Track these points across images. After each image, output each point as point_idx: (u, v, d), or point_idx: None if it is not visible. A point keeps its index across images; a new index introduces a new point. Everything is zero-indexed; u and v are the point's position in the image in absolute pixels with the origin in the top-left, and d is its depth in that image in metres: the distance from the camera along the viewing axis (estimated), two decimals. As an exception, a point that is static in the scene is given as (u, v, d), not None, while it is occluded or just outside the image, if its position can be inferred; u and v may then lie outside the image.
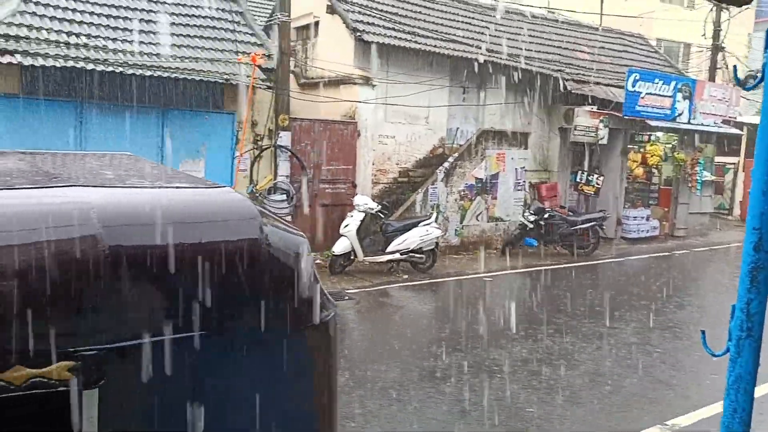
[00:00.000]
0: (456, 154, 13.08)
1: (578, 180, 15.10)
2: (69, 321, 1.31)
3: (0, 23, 8.32)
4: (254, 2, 16.23)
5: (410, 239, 10.74)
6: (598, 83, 15.11)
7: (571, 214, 13.78)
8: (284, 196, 10.98)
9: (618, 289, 10.77)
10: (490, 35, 14.08)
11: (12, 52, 8.48)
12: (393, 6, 13.53)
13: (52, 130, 9.06)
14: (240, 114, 10.65)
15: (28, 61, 8.51)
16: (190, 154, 10.51)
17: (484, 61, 12.98)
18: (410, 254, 10.79)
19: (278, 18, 10.91)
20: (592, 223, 13.33)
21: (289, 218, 10.72)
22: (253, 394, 1.56)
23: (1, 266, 1.24)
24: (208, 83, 10.12)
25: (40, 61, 8.61)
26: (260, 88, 10.67)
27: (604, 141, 14.46)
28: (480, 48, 13.37)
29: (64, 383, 1.29)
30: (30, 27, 9.06)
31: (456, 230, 13.05)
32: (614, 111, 14.43)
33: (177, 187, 1.73)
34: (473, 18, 14.92)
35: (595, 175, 14.87)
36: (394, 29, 12.71)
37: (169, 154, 10.21)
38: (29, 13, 9.22)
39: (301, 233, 1.80)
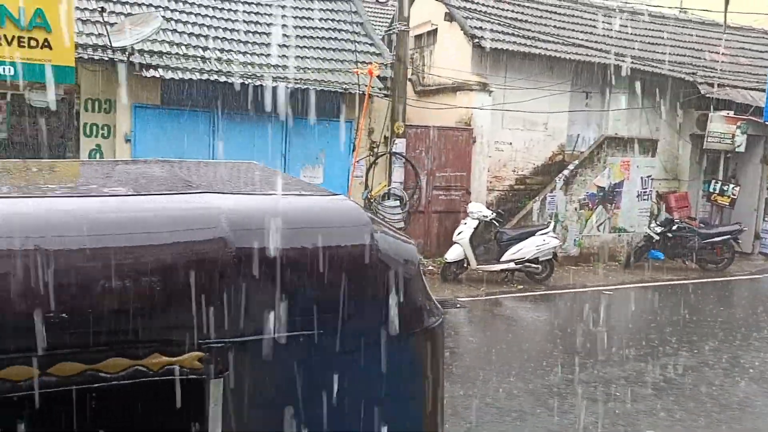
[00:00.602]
0: (576, 161, 12.65)
1: (711, 190, 14.09)
2: (199, 315, 1.43)
3: (145, 40, 9.11)
4: (373, 12, 16.64)
5: (526, 248, 10.52)
6: (735, 86, 14.03)
7: (702, 226, 12.87)
8: (397, 202, 11.15)
9: (756, 309, 9.91)
10: (615, 37, 13.50)
11: (155, 67, 9.28)
12: (513, 11, 13.36)
13: (189, 137, 9.78)
14: (358, 122, 10.96)
15: (168, 75, 9.26)
16: (310, 161, 10.96)
17: (609, 64, 12.47)
18: (526, 264, 10.57)
19: (397, 27, 11.11)
20: (727, 237, 12.36)
21: (401, 224, 10.87)
22: (360, 395, 1.62)
23: (145, 264, 1.39)
24: (328, 92, 10.51)
25: (179, 75, 9.34)
26: (377, 96, 10.92)
27: (742, 149, 13.39)
28: (604, 51, 12.86)
29: (195, 372, 1.41)
30: (171, 43, 9.86)
31: (575, 240, 12.61)
32: (753, 116, 13.32)
33: (296, 195, 1.84)
34: (597, 20, 14.37)
35: (731, 185, 13.80)
36: (513, 34, 12.54)
37: (291, 161, 10.70)
38: (170, 30, 10.05)
39: (411, 240, 1.84)
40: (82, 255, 1.33)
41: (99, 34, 9.13)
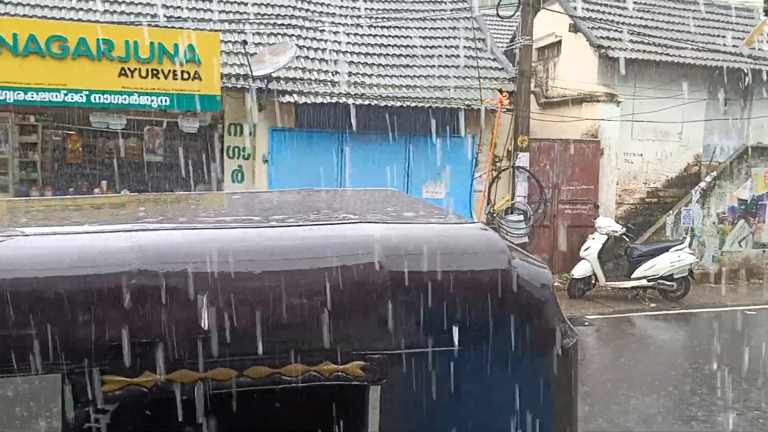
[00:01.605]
0: (714, 173, 11.93)
1: None
2: (360, 329, 1.67)
3: (281, 69, 9.80)
4: (494, 25, 16.68)
5: (659, 265, 10.07)
6: None
7: None
8: (521, 217, 11.08)
9: None
10: (758, 41, 12.61)
11: (290, 93, 9.96)
12: (641, 19, 12.89)
13: (320, 156, 10.37)
14: (480, 137, 11.07)
15: (302, 100, 9.90)
16: (433, 177, 11.20)
17: (751, 69, 11.68)
18: (659, 281, 10.11)
19: (520, 42, 11.12)
20: None
21: (525, 239, 10.80)
22: (496, 411, 1.78)
23: (317, 285, 1.64)
24: (450, 108, 10.72)
25: (311, 99, 9.96)
26: (501, 111, 10.98)
27: None
28: (742, 56, 12.06)
29: (358, 378, 1.65)
30: (304, 69, 10.54)
31: (714, 257, 11.86)
32: None
33: (438, 223, 2.04)
34: (737, 24, 13.50)
35: None
36: (642, 42, 12.10)
37: (413, 177, 11.01)
38: (303, 57, 10.74)
39: (545, 265, 1.98)
40: (271, 278, 1.61)
41: (241, 64, 9.96)
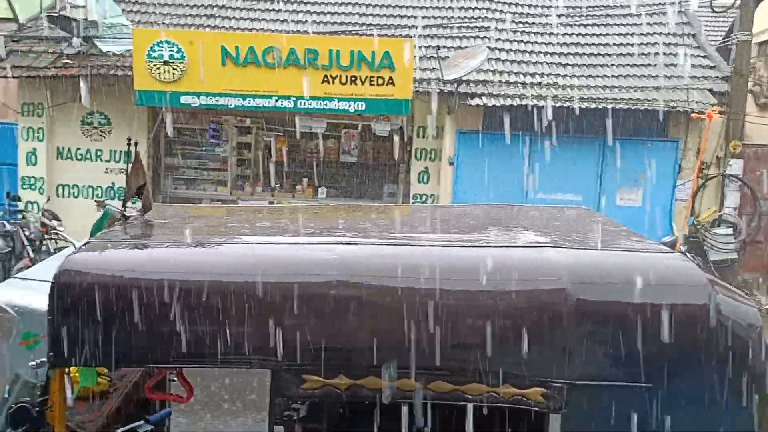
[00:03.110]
0: None
1: None
2: (543, 355, 1.67)
3: (471, 72, 9.86)
4: (706, 20, 15.18)
5: None
6: None
7: None
8: (730, 231, 10.01)
9: None
10: None
11: (479, 95, 9.99)
12: None
13: (506, 159, 10.27)
14: (685, 141, 10.18)
15: (491, 102, 9.88)
16: (627, 183, 10.53)
17: None
18: None
19: (736, 37, 10.03)
20: None
21: (734, 255, 9.75)
22: None
23: (500, 307, 1.68)
24: (651, 111, 9.99)
25: (500, 101, 9.90)
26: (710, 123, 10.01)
27: None
28: None
29: (538, 405, 1.66)
30: (494, 71, 10.50)
31: None
32: None
33: (632, 250, 1.95)
34: None
35: None
36: None
37: (606, 183, 10.44)
38: (495, 59, 10.70)
39: (752, 303, 1.81)
40: (457, 297, 1.68)
41: (433, 68, 10.21)
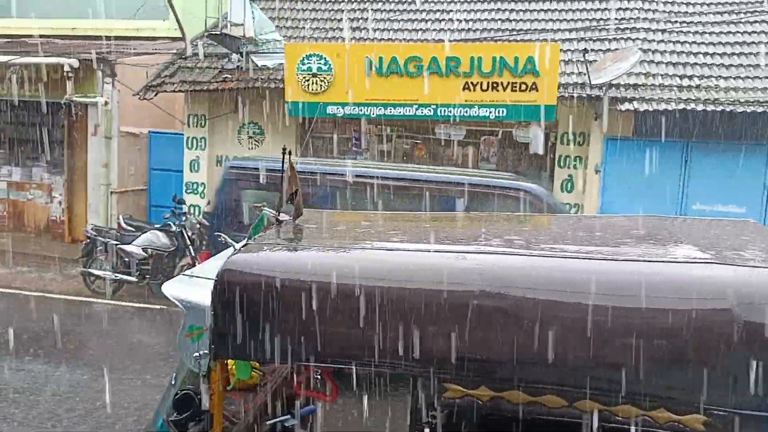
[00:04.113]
0: None
1: None
2: (704, 380, 1.53)
3: (621, 75, 9.37)
4: None
5: None
6: None
7: None
8: None
9: None
10: None
11: (630, 100, 9.46)
12: None
13: (659, 168, 9.63)
14: None
15: (643, 107, 9.33)
16: (801, 194, 9.46)
17: None
18: None
19: None
20: None
21: None
22: None
23: (657, 326, 1.57)
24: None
25: (653, 106, 9.31)
26: None
27: None
28: None
29: (696, 434, 1.53)
30: (646, 74, 9.90)
31: None
32: None
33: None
34: None
35: None
36: None
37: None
38: (647, 61, 10.09)
39: None
40: (606, 313, 1.60)
41: (579, 72, 9.83)
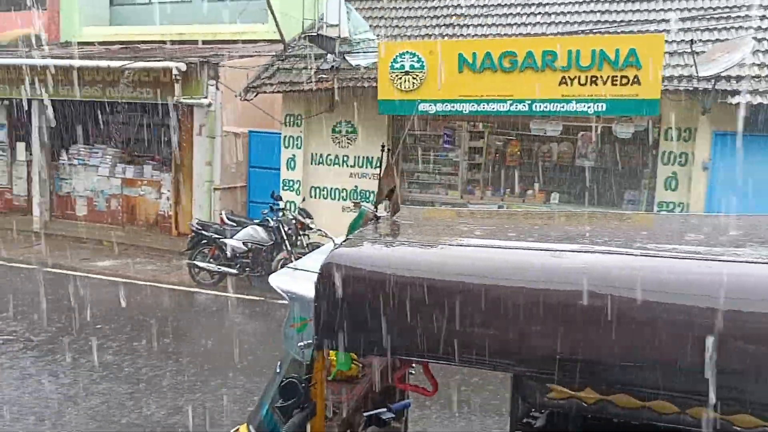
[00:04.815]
0: None
1: None
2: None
3: (733, 66, 8.79)
4: None
5: None
6: None
7: None
8: None
9: None
10: None
11: (741, 92, 8.87)
12: None
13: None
14: None
15: (756, 100, 8.72)
16: None
17: None
18: None
19: None
20: None
21: None
22: None
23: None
24: None
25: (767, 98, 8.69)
26: None
27: None
28: None
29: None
30: (760, 65, 9.24)
31: None
32: None
33: None
34: None
35: None
36: None
37: None
38: (761, 51, 9.42)
39: None
40: (716, 316, 1.51)
41: (685, 64, 9.33)
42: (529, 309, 1.65)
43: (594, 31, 10.48)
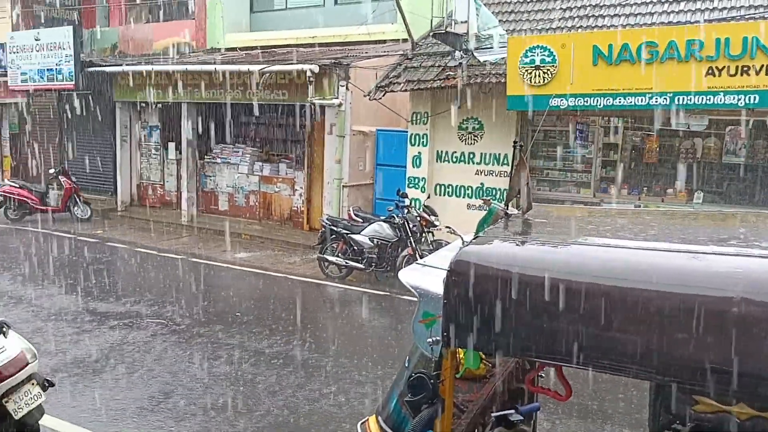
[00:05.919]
0: None
1: None
2: None
3: None
4: None
5: None
6: None
7: None
8: None
9: None
10: None
11: None
12: None
13: None
14: None
15: None
16: None
17: None
18: None
19: None
20: None
21: None
22: None
23: None
24: None
25: None
26: None
27: None
28: None
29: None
30: None
31: None
32: None
33: None
34: None
35: None
36: None
37: None
38: None
39: None
40: None
41: None
42: (675, 314, 1.54)
43: (747, 17, 9.60)
